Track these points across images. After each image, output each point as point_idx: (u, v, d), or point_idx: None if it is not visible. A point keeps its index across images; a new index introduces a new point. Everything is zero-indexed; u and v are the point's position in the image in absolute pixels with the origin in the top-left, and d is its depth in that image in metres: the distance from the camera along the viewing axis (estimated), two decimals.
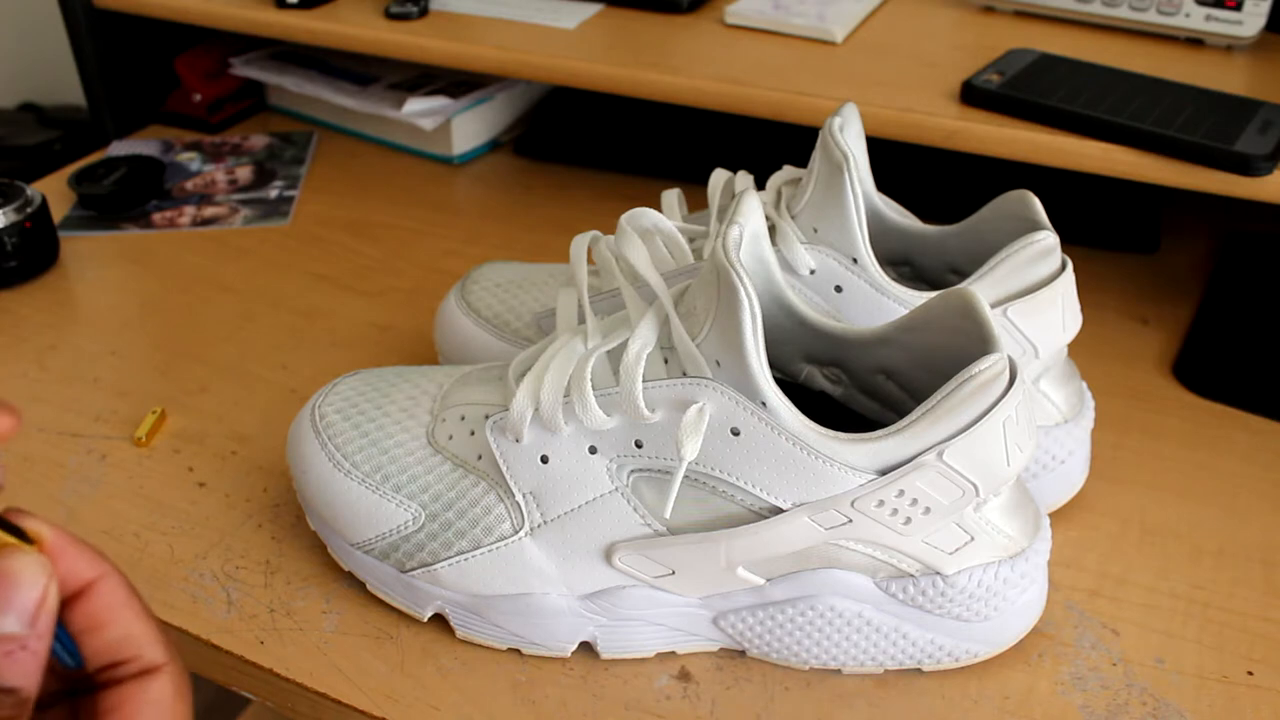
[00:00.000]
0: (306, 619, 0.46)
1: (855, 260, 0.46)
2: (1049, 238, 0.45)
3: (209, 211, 0.78)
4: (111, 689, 0.26)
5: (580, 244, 0.51)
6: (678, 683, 0.44)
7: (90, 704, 0.26)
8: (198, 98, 0.90)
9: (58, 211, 0.77)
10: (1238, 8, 0.67)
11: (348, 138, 0.89)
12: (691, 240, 0.51)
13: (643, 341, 0.40)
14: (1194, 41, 0.70)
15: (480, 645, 0.45)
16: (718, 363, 0.38)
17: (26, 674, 0.24)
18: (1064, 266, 0.47)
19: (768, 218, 0.48)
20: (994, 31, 0.72)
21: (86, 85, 0.87)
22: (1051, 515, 0.51)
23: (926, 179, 0.70)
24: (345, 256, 0.73)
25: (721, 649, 0.45)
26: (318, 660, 0.44)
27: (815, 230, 0.47)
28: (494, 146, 0.88)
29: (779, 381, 0.39)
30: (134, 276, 0.71)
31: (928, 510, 0.39)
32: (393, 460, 0.45)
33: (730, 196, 0.53)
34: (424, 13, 0.76)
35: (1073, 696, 0.43)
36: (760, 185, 0.52)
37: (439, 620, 0.45)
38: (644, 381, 0.39)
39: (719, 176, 0.54)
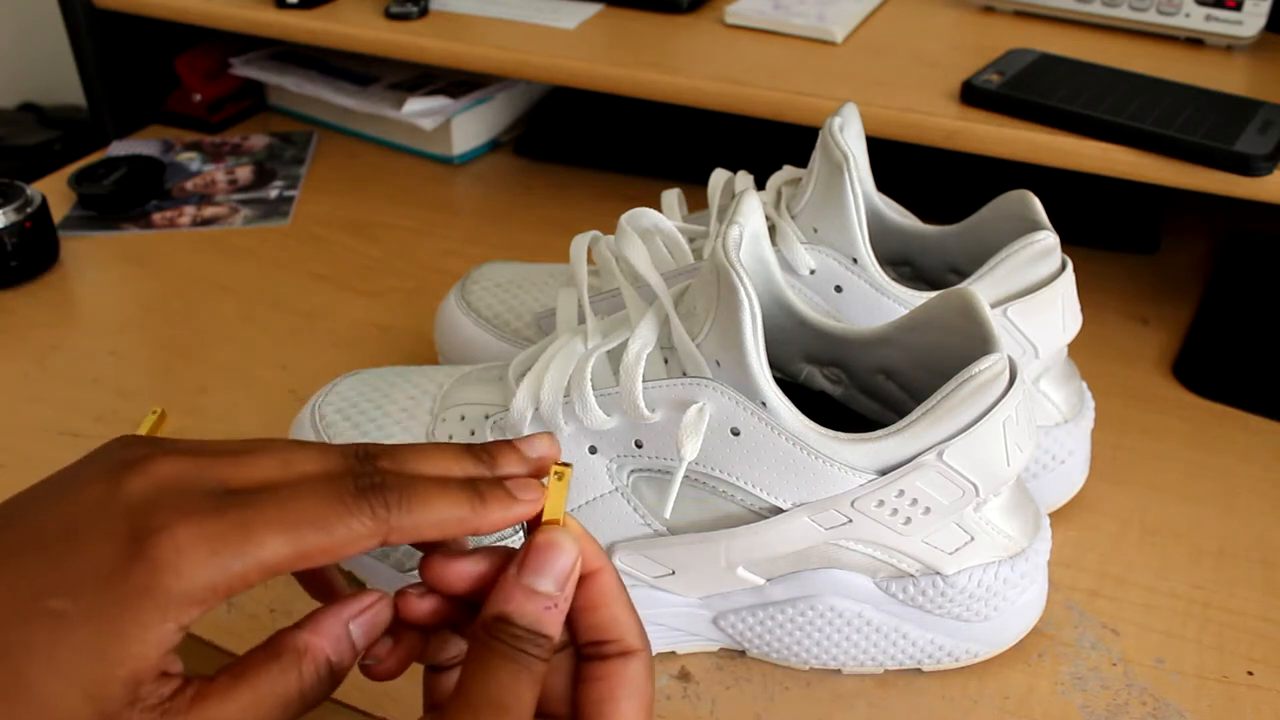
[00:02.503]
0: None
1: (855, 260, 0.46)
2: (1049, 238, 0.45)
3: (209, 211, 0.78)
4: (597, 661, 0.31)
5: (580, 244, 0.51)
6: (678, 683, 0.44)
7: (580, 668, 0.32)
8: (198, 98, 0.90)
9: (58, 211, 0.77)
10: (1238, 8, 0.67)
11: (348, 138, 0.89)
12: (691, 240, 0.51)
13: (643, 341, 0.40)
14: (1194, 41, 0.70)
15: None
16: (718, 363, 0.38)
17: (555, 625, 0.30)
18: (1064, 266, 0.47)
19: (768, 218, 0.48)
20: (994, 31, 0.72)
21: (86, 85, 0.87)
22: (1051, 515, 0.51)
23: (926, 179, 0.70)
24: (345, 256, 0.73)
25: (721, 649, 0.45)
26: None
27: (815, 230, 0.47)
28: (494, 146, 0.88)
29: (779, 381, 0.39)
30: (134, 276, 0.71)
31: (928, 510, 0.39)
32: None
33: (730, 196, 0.53)
34: (424, 13, 0.76)
35: (1073, 696, 0.43)
36: (760, 185, 0.52)
37: None
38: (644, 381, 0.39)
39: (719, 176, 0.54)
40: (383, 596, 0.31)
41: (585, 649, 0.32)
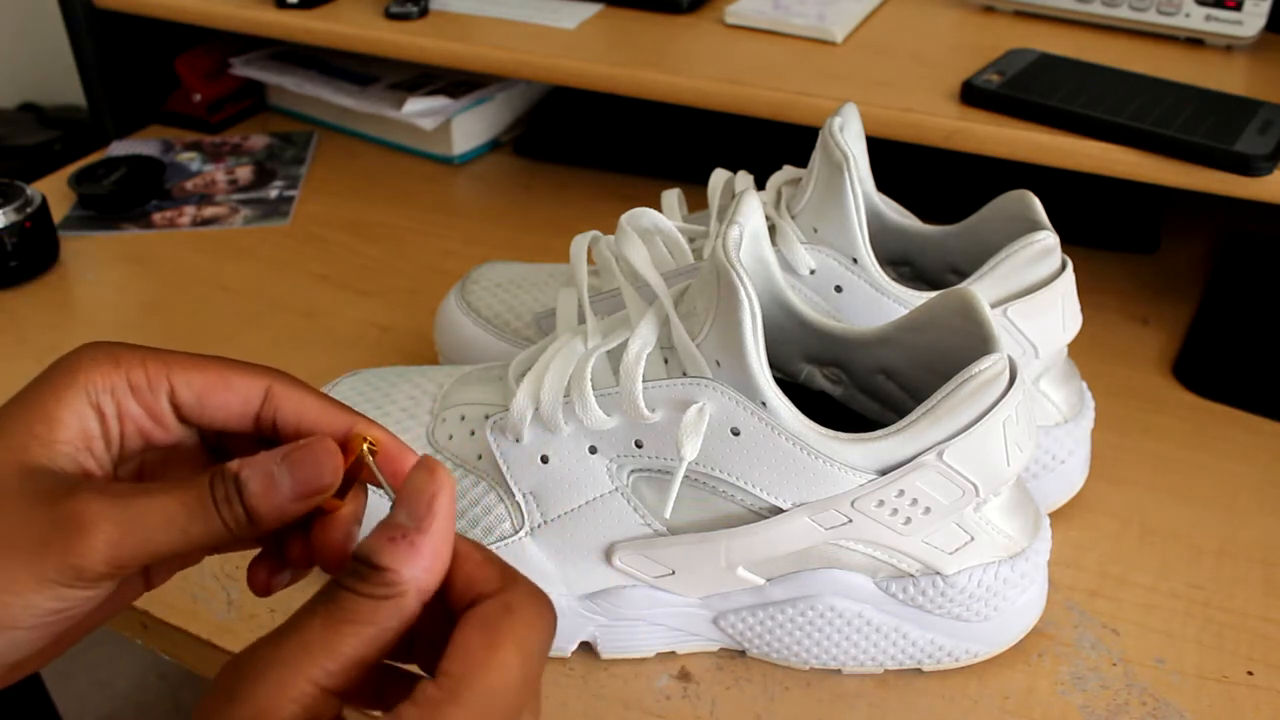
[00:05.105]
0: None
1: (855, 260, 0.46)
2: (1049, 238, 0.45)
3: (209, 211, 0.78)
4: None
5: (580, 244, 0.51)
6: (678, 683, 0.44)
7: None
8: (198, 98, 0.90)
9: (58, 211, 0.77)
10: (1238, 8, 0.67)
11: (348, 138, 0.89)
12: (691, 240, 0.51)
13: (643, 341, 0.40)
14: (1194, 41, 0.70)
15: None
16: (718, 363, 0.38)
17: (400, 558, 0.25)
18: (1064, 266, 0.47)
19: (768, 218, 0.48)
20: (994, 31, 0.72)
21: (86, 85, 0.87)
22: (1051, 515, 0.51)
23: (926, 179, 0.70)
24: (345, 256, 0.73)
25: (721, 649, 0.45)
26: None
27: (815, 230, 0.47)
28: (494, 146, 0.88)
29: (779, 381, 0.39)
30: (134, 276, 0.71)
31: (928, 510, 0.39)
32: None
33: (730, 196, 0.53)
34: (424, 13, 0.76)
35: (1073, 696, 0.43)
36: (760, 185, 0.52)
37: None
38: (644, 381, 0.39)
39: (719, 176, 0.54)
40: (322, 440, 0.28)
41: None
